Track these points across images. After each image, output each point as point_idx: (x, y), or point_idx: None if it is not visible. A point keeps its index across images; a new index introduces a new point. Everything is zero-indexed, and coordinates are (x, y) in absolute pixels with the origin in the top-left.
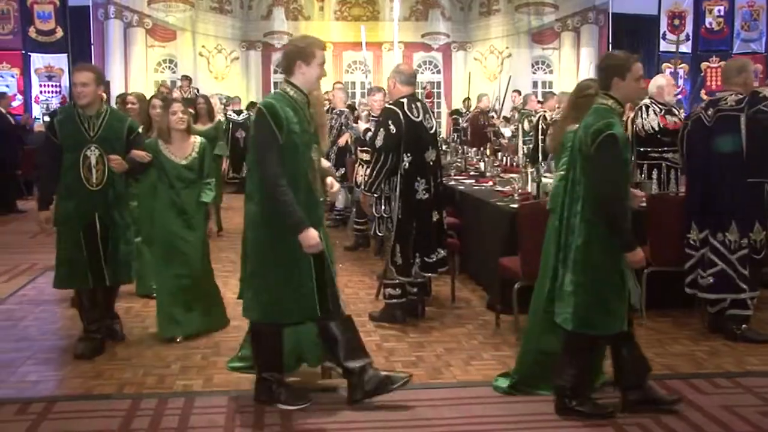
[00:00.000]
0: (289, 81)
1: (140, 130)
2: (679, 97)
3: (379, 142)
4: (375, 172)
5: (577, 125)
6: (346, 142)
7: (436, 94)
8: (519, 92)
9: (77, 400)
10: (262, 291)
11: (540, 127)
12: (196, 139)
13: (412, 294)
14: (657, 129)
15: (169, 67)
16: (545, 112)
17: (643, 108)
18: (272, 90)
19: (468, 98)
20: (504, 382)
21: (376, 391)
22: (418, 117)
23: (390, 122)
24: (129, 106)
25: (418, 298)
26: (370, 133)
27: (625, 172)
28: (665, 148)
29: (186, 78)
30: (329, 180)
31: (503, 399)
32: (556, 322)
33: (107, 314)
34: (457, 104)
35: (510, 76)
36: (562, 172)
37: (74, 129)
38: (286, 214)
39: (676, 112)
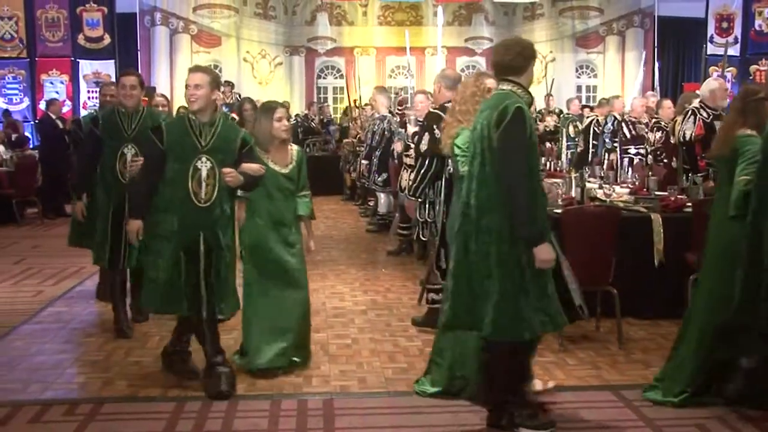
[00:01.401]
0: (516, 81)
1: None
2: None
3: (423, 146)
4: (419, 176)
5: (749, 131)
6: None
7: None
8: (551, 95)
9: (124, 401)
10: (527, 308)
11: (593, 131)
12: (293, 147)
13: None
14: (686, 139)
15: None
16: (597, 116)
17: (689, 113)
18: (315, 95)
19: None
20: (657, 394)
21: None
22: None
23: (435, 127)
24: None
25: None
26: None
27: None
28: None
29: (228, 83)
30: None
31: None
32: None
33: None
34: None
35: (553, 78)
36: (748, 177)
37: (184, 136)
38: (532, 221)
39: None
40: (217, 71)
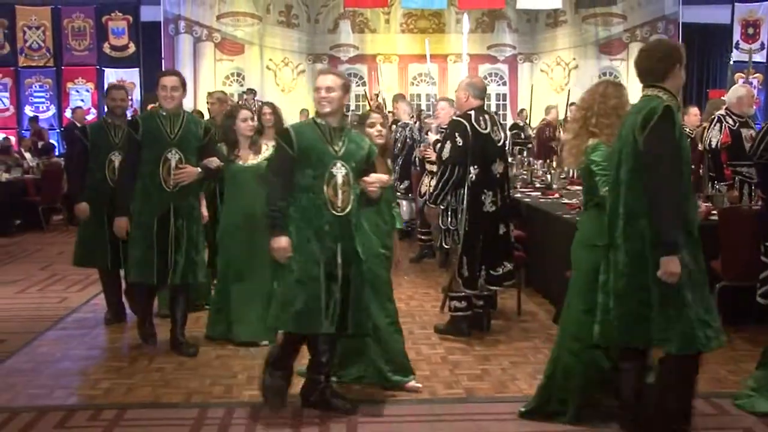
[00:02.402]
0: (660, 86)
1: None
2: (754, 108)
3: (445, 154)
4: (441, 184)
5: None
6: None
7: (501, 106)
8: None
9: (147, 408)
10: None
11: None
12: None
13: (478, 307)
14: (712, 147)
15: (237, 80)
16: None
17: (715, 120)
18: None
19: (524, 109)
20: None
21: None
22: (485, 129)
23: (457, 134)
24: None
25: (483, 311)
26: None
27: None
28: (741, 162)
29: (251, 91)
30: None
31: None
32: None
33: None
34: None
35: (569, 89)
36: None
37: (317, 142)
38: (673, 227)
39: (752, 125)
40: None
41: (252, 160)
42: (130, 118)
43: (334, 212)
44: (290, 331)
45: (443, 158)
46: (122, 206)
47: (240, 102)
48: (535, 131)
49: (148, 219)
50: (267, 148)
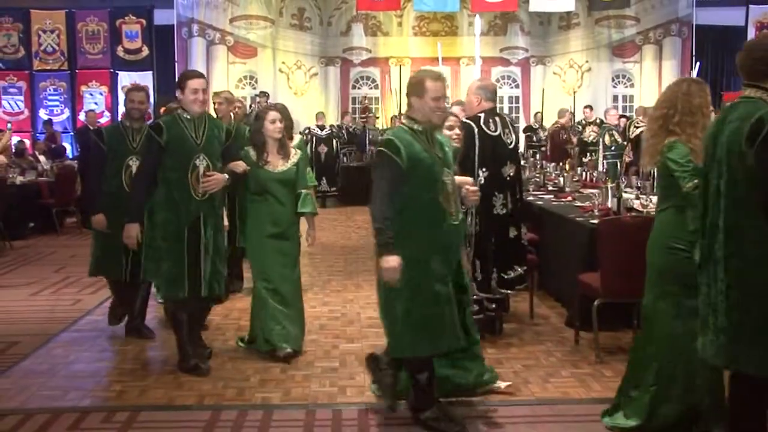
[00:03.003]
0: (763, 87)
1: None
2: None
3: None
4: None
5: None
6: None
7: (514, 108)
8: (590, 107)
9: (160, 410)
10: None
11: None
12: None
13: (490, 310)
14: None
15: (250, 83)
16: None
17: None
18: (349, 105)
19: (539, 112)
20: None
21: None
22: (495, 131)
23: (465, 137)
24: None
25: (496, 314)
26: None
27: None
28: None
29: (264, 94)
30: None
31: (582, 418)
32: None
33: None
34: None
35: (575, 91)
36: None
37: (422, 151)
38: None
39: None
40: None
41: (282, 166)
42: (151, 121)
43: (452, 222)
44: (431, 354)
45: None
46: (136, 212)
47: (252, 105)
48: (547, 134)
49: (177, 229)
50: (295, 153)
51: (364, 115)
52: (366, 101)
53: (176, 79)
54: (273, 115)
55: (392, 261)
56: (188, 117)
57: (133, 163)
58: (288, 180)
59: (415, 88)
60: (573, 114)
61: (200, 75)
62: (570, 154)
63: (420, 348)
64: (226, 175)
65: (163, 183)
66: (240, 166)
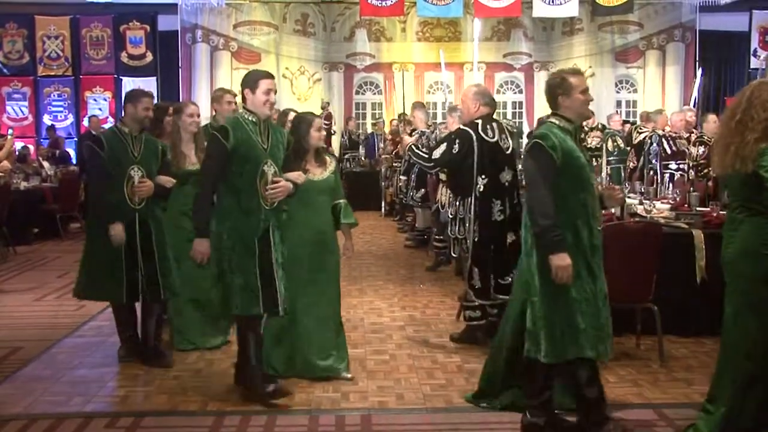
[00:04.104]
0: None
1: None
2: None
3: (436, 154)
4: (413, 176)
5: None
6: None
7: (517, 114)
8: (593, 113)
9: (164, 415)
10: None
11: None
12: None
13: (493, 315)
14: None
15: None
16: (655, 130)
17: None
18: (353, 111)
19: (542, 118)
20: None
21: None
22: (493, 137)
23: (457, 142)
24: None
25: (498, 319)
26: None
27: None
28: None
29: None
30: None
31: None
32: None
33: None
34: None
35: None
36: None
37: (575, 150)
38: None
39: None
40: None
41: (320, 174)
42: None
43: (597, 228)
44: (584, 356)
45: (433, 157)
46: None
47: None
48: None
49: (248, 241)
50: (331, 162)
51: (328, 123)
52: (327, 106)
53: (179, 85)
54: (318, 122)
55: (566, 258)
56: (254, 120)
57: (135, 174)
58: (328, 188)
59: (561, 87)
60: None
61: (271, 75)
62: None
63: (576, 350)
64: (291, 184)
65: (227, 192)
66: (300, 177)
